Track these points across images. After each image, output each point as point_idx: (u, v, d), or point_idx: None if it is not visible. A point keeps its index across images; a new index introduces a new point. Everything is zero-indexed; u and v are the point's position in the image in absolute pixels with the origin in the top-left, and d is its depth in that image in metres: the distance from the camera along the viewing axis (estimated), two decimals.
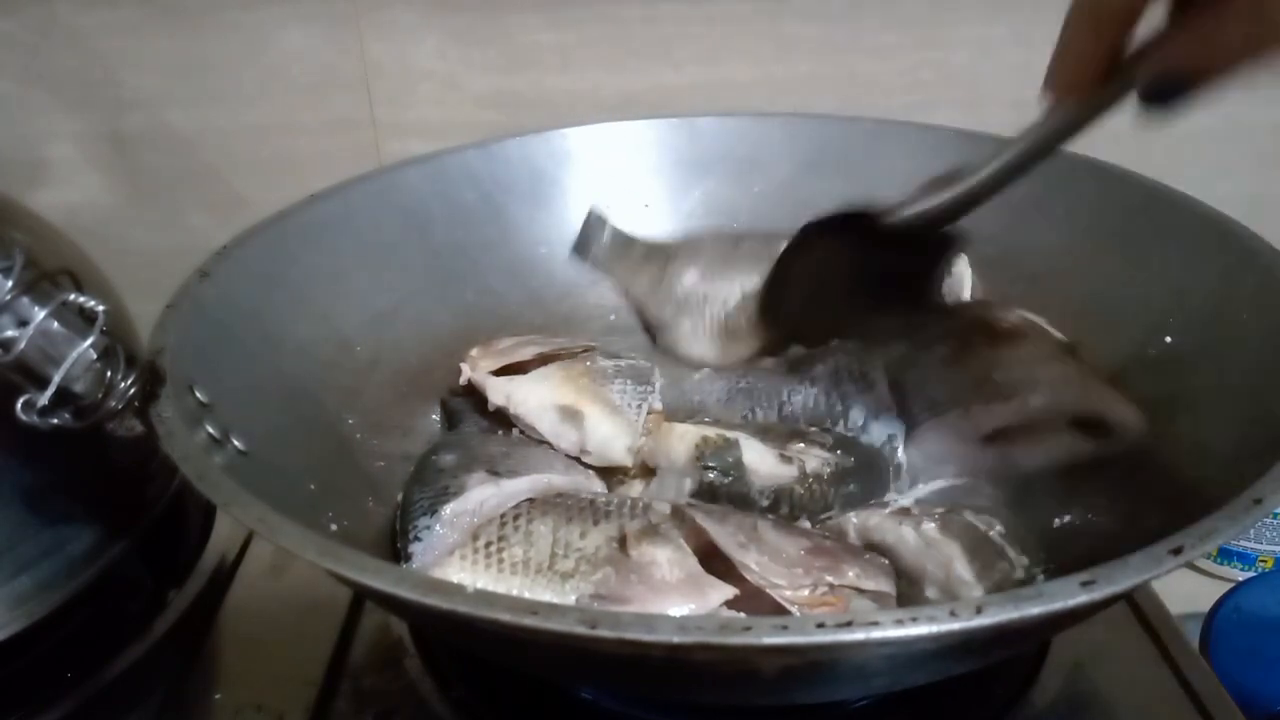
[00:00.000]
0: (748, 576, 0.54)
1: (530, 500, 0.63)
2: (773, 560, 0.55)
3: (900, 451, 0.71)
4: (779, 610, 0.53)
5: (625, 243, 0.89)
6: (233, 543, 0.77)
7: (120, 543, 0.69)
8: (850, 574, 0.56)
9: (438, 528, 0.62)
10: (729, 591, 0.54)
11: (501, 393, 0.74)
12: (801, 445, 0.68)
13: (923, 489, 0.68)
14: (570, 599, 0.55)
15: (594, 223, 0.89)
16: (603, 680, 0.60)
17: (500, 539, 0.59)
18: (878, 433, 0.72)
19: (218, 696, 0.65)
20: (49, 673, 0.67)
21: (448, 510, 0.63)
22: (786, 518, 0.65)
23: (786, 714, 0.61)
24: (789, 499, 0.66)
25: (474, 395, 0.77)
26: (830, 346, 0.75)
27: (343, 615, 0.69)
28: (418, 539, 0.62)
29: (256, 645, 0.69)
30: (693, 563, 0.56)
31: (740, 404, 0.77)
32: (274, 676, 0.66)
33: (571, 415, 0.72)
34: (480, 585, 0.57)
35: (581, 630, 0.38)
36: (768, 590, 0.54)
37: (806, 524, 0.65)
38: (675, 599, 0.53)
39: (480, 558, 0.59)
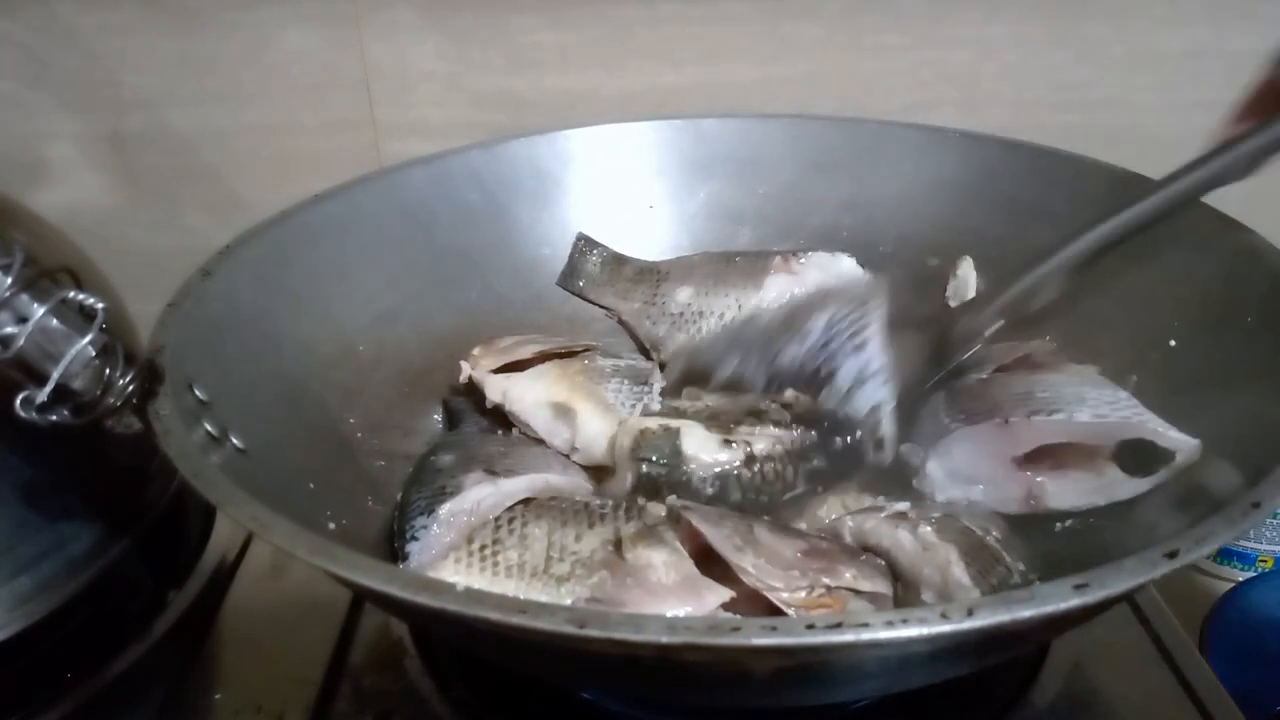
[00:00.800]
0: (744, 579, 0.54)
1: (525, 502, 0.63)
2: (769, 562, 0.55)
3: (885, 424, 0.67)
4: (776, 612, 0.53)
5: (617, 263, 0.89)
6: (233, 543, 0.77)
7: (120, 543, 0.69)
8: (847, 575, 0.55)
9: (434, 528, 0.62)
10: (725, 594, 0.54)
11: (498, 389, 0.75)
12: (753, 428, 0.67)
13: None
14: (566, 603, 0.55)
15: (583, 247, 0.90)
16: (595, 681, 0.60)
17: (494, 542, 0.60)
18: (863, 400, 0.68)
19: (218, 696, 0.65)
20: (49, 673, 0.67)
21: (444, 510, 0.63)
22: (741, 503, 0.64)
23: (785, 716, 0.61)
24: (738, 484, 0.65)
25: (475, 395, 0.77)
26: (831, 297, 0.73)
27: (343, 615, 0.69)
28: (414, 539, 0.62)
29: (256, 645, 0.69)
30: (689, 565, 0.56)
31: (733, 357, 0.74)
32: (274, 676, 0.66)
33: (564, 412, 0.73)
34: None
35: (570, 629, 0.38)
36: (764, 592, 0.54)
37: (801, 525, 0.65)
38: (671, 602, 0.53)
39: (475, 560, 0.59)
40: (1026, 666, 0.64)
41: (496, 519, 0.61)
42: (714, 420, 0.68)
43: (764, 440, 0.66)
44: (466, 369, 0.77)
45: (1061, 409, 0.63)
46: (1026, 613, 0.38)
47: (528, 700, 0.63)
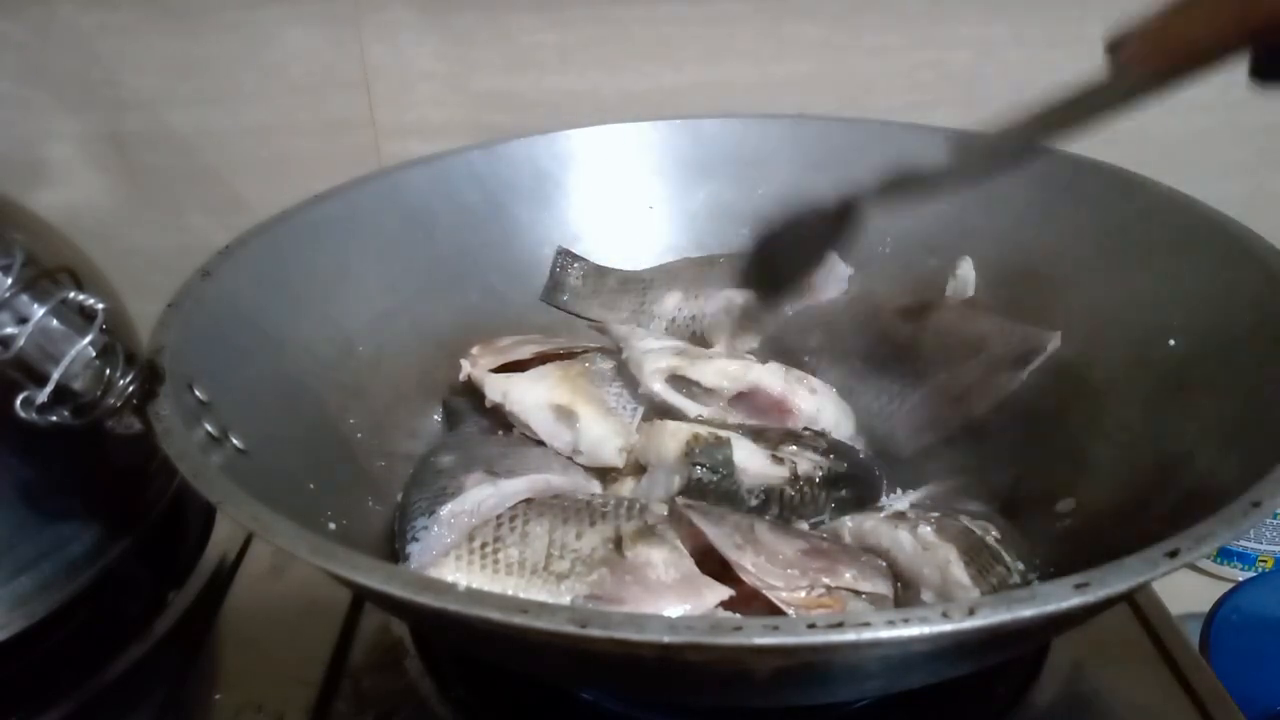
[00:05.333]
0: (744, 578, 0.54)
1: (527, 501, 0.63)
2: (769, 561, 0.55)
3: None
4: (775, 612, 0.53)
5: (599, 275, 0.89)
6: (233, 543, 0.78)
7: (120, 543, 0.69)
8: (847, 575, 0.56)
9: (435, 528, 0.63)
10: (725, 592, 0.54)
11: (498, 390, 0.75)
12: (794, 447, 0.67)
13: (915, 494, 0.67)
14: (565, 600, 0.55)
15: (564, 261, 0.90)
16: (596, 681, 0.60)
17: (496, 540, 0.60)
18: None
19: (218, 696, 0.65)
20: (49, 673, 0.67)
21: (445, 510, 0.63)
22: (776, 519, 0.64)
23: (786, 715, 0.61)
24: (779, 500, 0.65)
25: (475, 394, 0.77)
26: None
27: (343, 616, 0.69)
28: (415, 539, 0.62)
29: (256, 645, 0.69)
30: (689, 564, 0.56)
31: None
32: (274, 676, 0.66)
33: (565, 415, 0.73)
34: (475, 586, 0.57)
35: (571, 629, 0.38)
36: (764, 591, 0.54)
37: (804, 526, 0.65)
38: (671, 600, 0.54)
39: (475, 558, 0.59)
40: (1026, 666, 0.64)
41: (498, 517, 0.61)
42: (758, 436, 0.69)
43: (807, 462, 0.67)
44: (466, 367, 0.77)
45: (981, 348, 0.74)
46: (1027, 612, 0.39)
47: (528, 700, 0.63)
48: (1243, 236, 0.67)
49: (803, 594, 0.54)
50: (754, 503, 0.65)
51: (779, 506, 0.65)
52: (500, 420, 0.76)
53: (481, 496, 0.64)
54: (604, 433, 0.72)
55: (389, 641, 0.67)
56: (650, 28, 0.95)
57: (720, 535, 0.56)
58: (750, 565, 0.55)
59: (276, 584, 0.74)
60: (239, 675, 0.67)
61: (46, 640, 0.66)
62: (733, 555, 0.55)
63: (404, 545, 0.63)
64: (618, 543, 0.57)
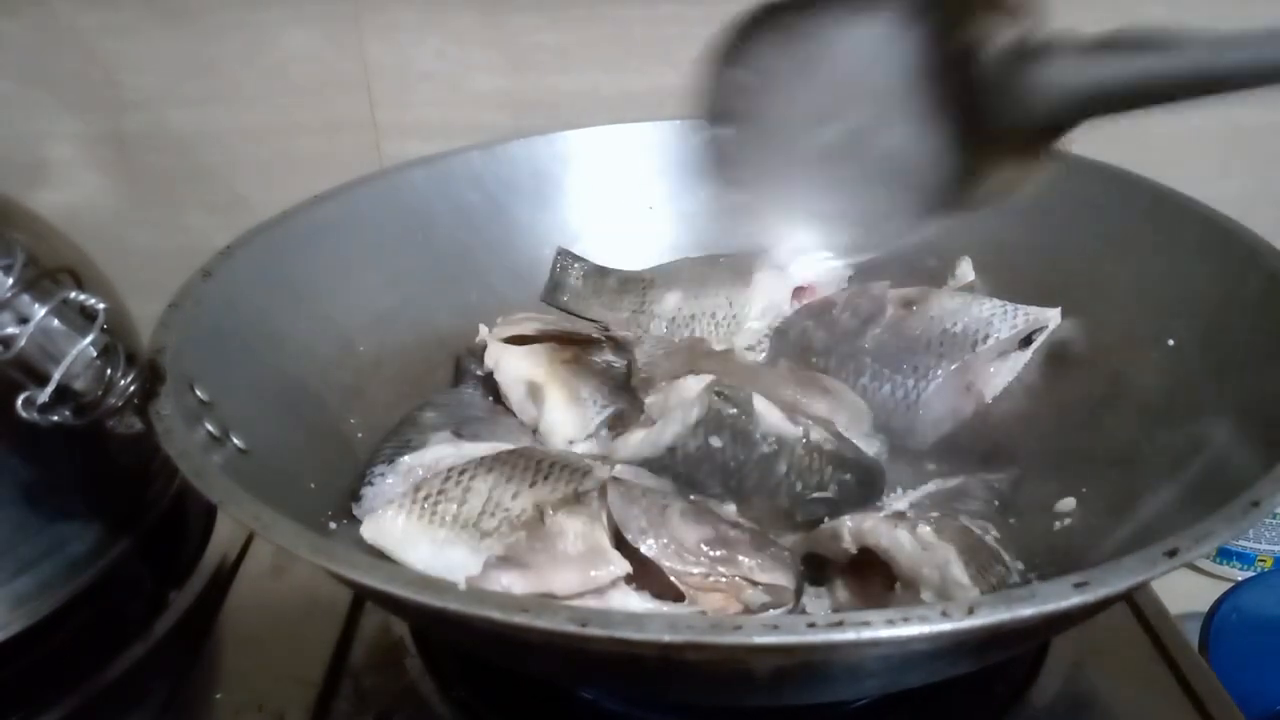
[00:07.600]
0: (645, 554, 0.55)
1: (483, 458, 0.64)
2: (669, 546, 0.56)
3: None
4: (676, 590, 0.55)
5: (599, 275, 0.89)
6: (234, 543, 0.78)
7: (121, 543, 0.69)
8: (745, 564, 0.56)
9: (390, 477, 0.65)
10: (624, 568, 0.55)
11: (494, 357, 0.76)
12: (806, 417, 0.67)
13: (915, 494, 0.67)
14: (480, 558, 0.56)
15: (564, 262, 0.90)
16: (596, 681, 0.60)
17: (440, 492, 0.61)
18: None
19: (218, 696, 0.65)
20: (49, 673, 0.67)
21: (404, 461, 0.65)
22: (781, 481, 0.64)
23: (786, 714, 0.61)
24: (790, 456, 0.64)
25: None
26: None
27: (343, 615, 0.69)
28: (370, 484, 0.65)
29: (257, 645, 0.69)
30: (600, 536, 0.56)
31: None
32: (274, 676, 0.66)
33: (535, 392, 0.74)
34: (406, 532, 0.60)
35: (571, 628, 0.38)
36: (665, 570, 0.55)
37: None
38: (570, 571, 0.55)
39: (415, 508, 0.60)
40: (1026, 666, 0.64)
41: (449, 469, 0.62)
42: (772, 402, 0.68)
43: (819, 432, 0.66)
44: (483, 332, 0.78)
45: (988, 333, 0.74)
46: (1027, 611, 0.39)
47: (528, 700, 0.63)
48: (1243, 236, 0.67)
49: (696, 577, 0.56)
50: (767, 449, 0.64)
51: (788, 464, 0.64)
52: (493, 387, 0.77)
53: (441, 454, 0.66)
54: (562, 419, 0.72)
55: (389, 641, 0.67)
56: (650, 28, 0.95)
57: (628, 516, 0.57)
58: (646, 549, 0.56)
59: (277, 584, 0.74)
60: (239, 675, 0.67)
61: (46, 640, 0.66)
62: (630, 536, 0.56)
63: (360, 487, 0.65)
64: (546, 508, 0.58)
